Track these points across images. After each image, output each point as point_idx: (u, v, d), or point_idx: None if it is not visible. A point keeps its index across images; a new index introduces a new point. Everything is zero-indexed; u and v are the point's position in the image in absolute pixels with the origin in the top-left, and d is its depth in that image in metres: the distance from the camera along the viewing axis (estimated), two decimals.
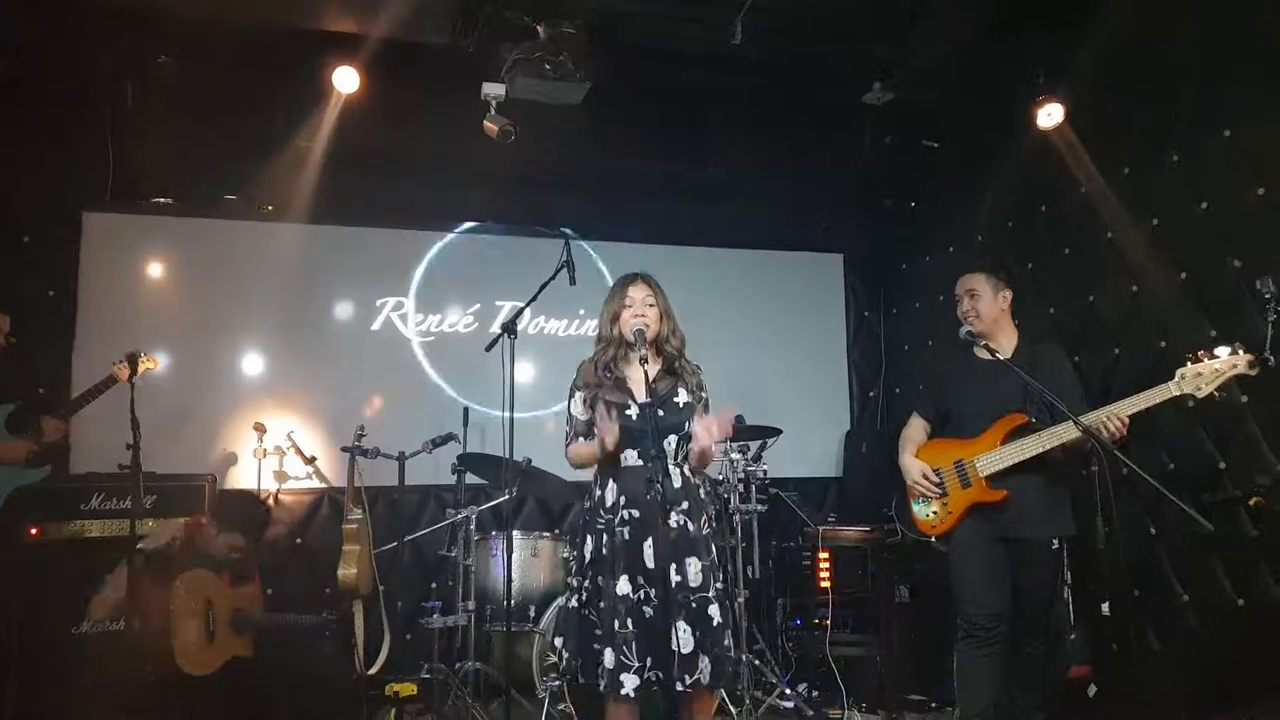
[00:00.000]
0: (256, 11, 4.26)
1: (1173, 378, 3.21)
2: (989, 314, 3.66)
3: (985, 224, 5.27)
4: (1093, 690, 4.01)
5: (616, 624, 2.98)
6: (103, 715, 3.86)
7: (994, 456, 3.52)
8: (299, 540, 5.12)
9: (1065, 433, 3.37)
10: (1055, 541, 3.61)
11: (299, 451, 4.84)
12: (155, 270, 5.25)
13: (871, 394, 6.28)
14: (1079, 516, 3.62)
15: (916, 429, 3.86)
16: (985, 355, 3.57)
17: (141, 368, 4.02)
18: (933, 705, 4.58)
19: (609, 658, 2.98)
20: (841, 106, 4.96)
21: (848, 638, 4.68)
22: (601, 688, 3.01)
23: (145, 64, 4.56)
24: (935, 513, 3.66)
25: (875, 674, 4.61)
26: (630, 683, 2.95)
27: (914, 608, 4.82)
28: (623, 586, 3.01)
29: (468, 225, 5.76)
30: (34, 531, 4.20)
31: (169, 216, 5.28)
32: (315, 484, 5.00)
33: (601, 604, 3.05)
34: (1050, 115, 4.55)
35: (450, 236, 5.72)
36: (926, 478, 3.65)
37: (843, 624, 4.70)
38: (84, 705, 3.96)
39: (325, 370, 5.38)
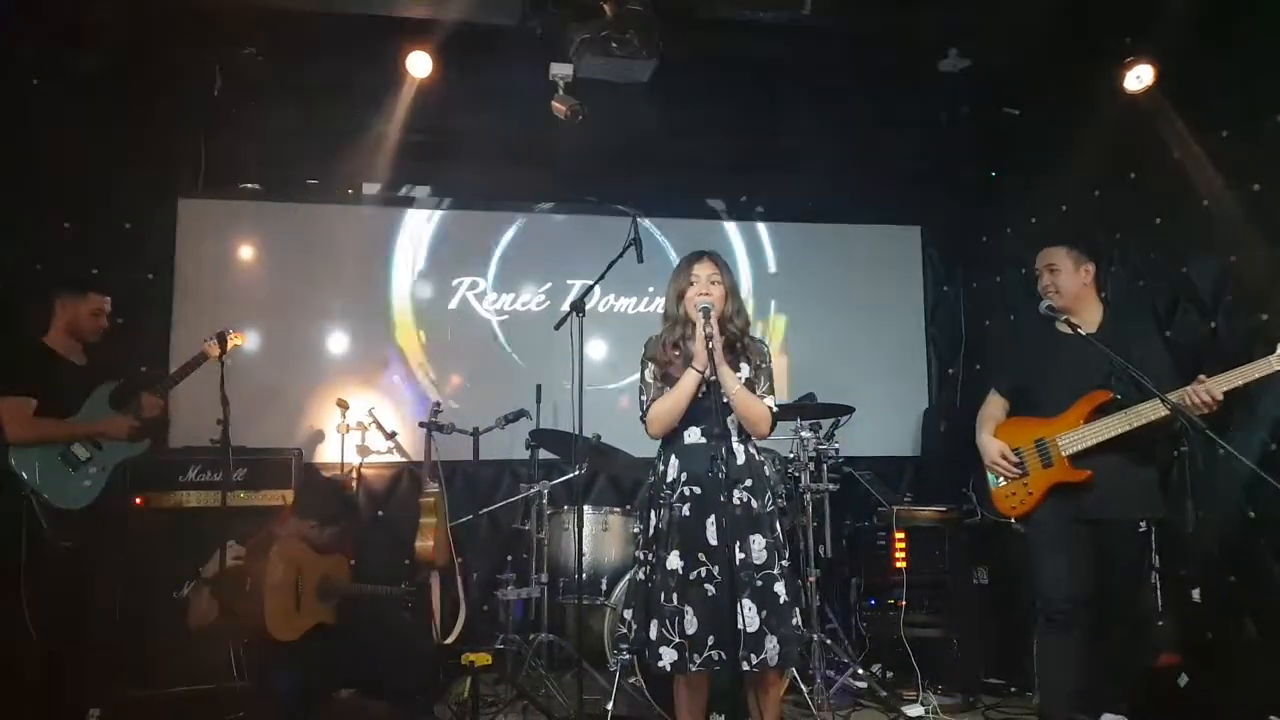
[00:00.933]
0: (335, 2, 4.38)
1: (1274, 351, 3.07)
2: (1070, 288, 3.53)
3: (1070, 193, 5.05)
4: (1184, 680, 3.86)
5: (663, 597, 3.02)
6: (198, 674, 4.08)
7: (1077, 435, 3.41)
8: (380, 513, 5.30)
9: (1152, 411, 3.24)
10: (1142, 524, 3.49)
11: (380, 427, 4.99)
12: (245, 253, 5.48)
13: (951, 371, 6.11)
14: (1169, 498, 3.50)
15: (995, 406, 3.76)
16: (1067, 330, 3.45)
17: (230, 344, 4.17)
18: (1012, 690, 4.48)
19: (653, 629, 3.02)
20: (917, 75, 4.82)
21: (923, 619, 4.60)
22: (645, 657, 3.06)
23: (233, 56, 4.73)
24: (1015, 493, 3.57)
25: (951, 656, 4.54)
26: (669, 656, 2.99)
27: (992, 590, 4.72)
28: (673, 561, 3.04)
29: (539, 205, 5.84)
30: (139, 501, 4.46)
31: (257, 201, 5.51)
32: (396, 459, 5.15)
33: (655, 577, 3.09)
34: (1139, 78, 4.33)
35: (523, 217, 5.80)
36: (1005, 457, 3.56)
37: (918, 605, 4.61)
38: (183, 664, 4.20)
39: (405, 348, 5.54)
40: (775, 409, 3.20)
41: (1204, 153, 4.24)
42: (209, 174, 5.39)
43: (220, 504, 4.11)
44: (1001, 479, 3.61)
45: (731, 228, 5.86)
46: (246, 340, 4.95)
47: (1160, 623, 4.04)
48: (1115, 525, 3.43)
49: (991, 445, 3.62)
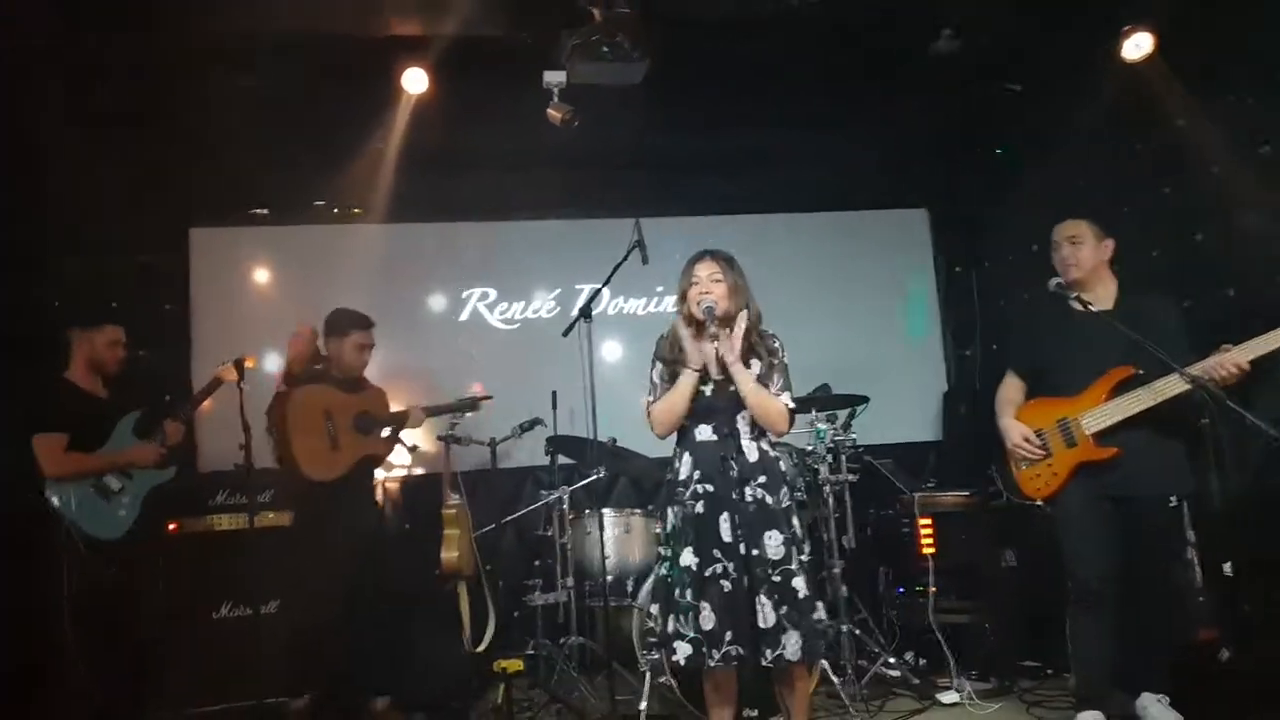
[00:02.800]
0: (328, 24, 4.41)
1: None
2: (1089, 262, 3.50)
3: (1077, 166, 4.99)
4: (1225, 655, 3.81)
5: (678, 593, 3.04)
6: (237, 693, 4.14)
7: (1100, 412, 3.38)
8: (406, 525, 5.34)
9: (1175, 384, 3.20)
10: (1173, 499, 3.45)
11: (400, 441, 5.04)
12: (259, 277, 5.57)
13: (968, 352, 6.07)
14: (1197, 473, 3.46)
15: (1012, 389, 3.72)
16: (1080, 307, 3.42)
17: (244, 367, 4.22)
18: (1048, 672, 4.42)
19: (670, 624, 3.05)
20: (911, 58, 4.78)
21: (953, 604, 4.57)
22: (662, 654, 3.09)
23: (231, 85, 4.78)
24: (1040, 474, 3.54)
25: (984, 641, 4.49)
26: (683, 651, 3.01)
27: (1021, 572, 4.66)
28: (687, 558, 3.06)
29: (542, 212, 5.87)
30: (172, 527, 4.53)
31: (266, 226, 5.60)
32: (419, 471, 5.20)
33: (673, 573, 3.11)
34: (1138, 46, 4.28)
35: (526, 224, 5.86)
36: (1028, 440, 3.53)
37: (947, 591, 4.58)
38: (221, 682, 4.28)
39: (419, 362, 5.58)
40: (792, 405, 3.19)
41: (1209, 117, 4.17)
42: (217, 202, 5.48)
43: (249, 525, 4.17)
44: (1025, 461, 3.58)
45: (736, 222, 5.85)
46: (260, 363, 4.99)
47: (1200, 598, 3.99)
48: (1144, 501, 3.40)
49: (1013, 429, 3.59)
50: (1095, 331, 3.43)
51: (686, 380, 3.14)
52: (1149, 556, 3.45)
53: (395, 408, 4.59)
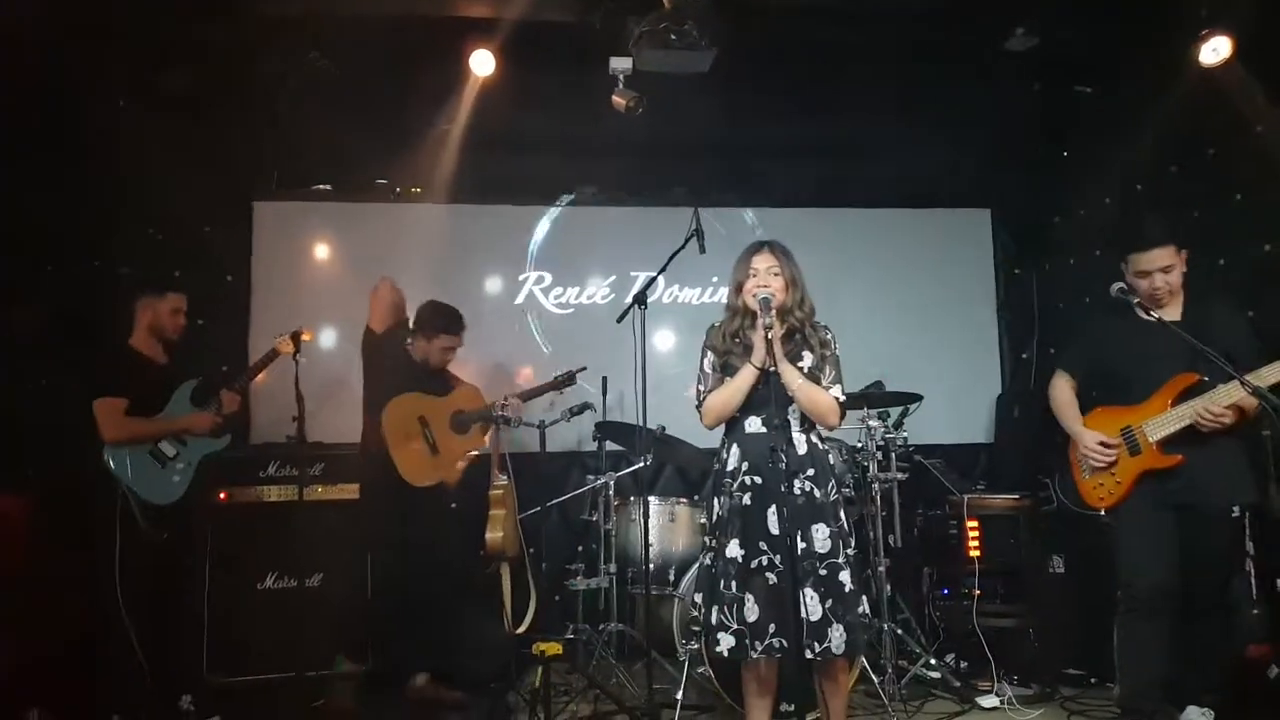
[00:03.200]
0: (398, 4, 4.46)
1: None
2: (1178, 286, 3.44)
3: (1146, 172, 4.90)
4: (1275, 671, 3.74)
5: (723, 584, 3.05)
6: (284, 662, 4.22)
7: (1164, 419, 3.35)
8: (453, 505, 5.38)
9: (1236, 393, 3.16)
10: (1235, 509, 3.40)
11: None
12: (319, 252, 5.62)
13: (1024, 356, 5.97)
14: (1257, 484, 3.39)
15: (1066, 391, 3.67)
16: (1144, 315, 3.37)
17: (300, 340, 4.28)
18: (1091, 681, 4.37)
19: (714, 615, 3.05)
20: (983, 55, 4.71)
21: (997, 608, 4.54)
22: (703, 644, 3.10)
23: (300, 61, 4.84)
24: (1103, 483, 3.51)
25: (1027, 646, 4.46)
26: (726, 642, 3.01)
27: (1069, 579, 4.62)
28: (733, 550, 3.06)
29: (602, 198, 5.87)
30: (223, 496, 4.62)
31: (328, 202, 5.65)
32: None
33: (718, 563, 3.11)
34: (1216, 50, 4.20)
35: (586, 210, 5.85)
36: (1104, 444, 3.47)
37: (992, 594, 4.55)
38: (265, 652, 4.38)
39: (473, 343, 5.60)
40: (842, 399, 3.18)
41: None
42: (281, 176, 5.56)
43: (298, 498, 4.24)
44: (1089, 470, 3.53)
45: (796, 215, 5.80)
46: (317, 337, 5.08)
47: (1255, 610, 3.89)
48: (1206, 511, 3.36)
49: (1087, 434, 3.54)
50: (1160, 339, 3.38)
51: (746, 375, 3.13)
52: (1208, 567, 3.42)
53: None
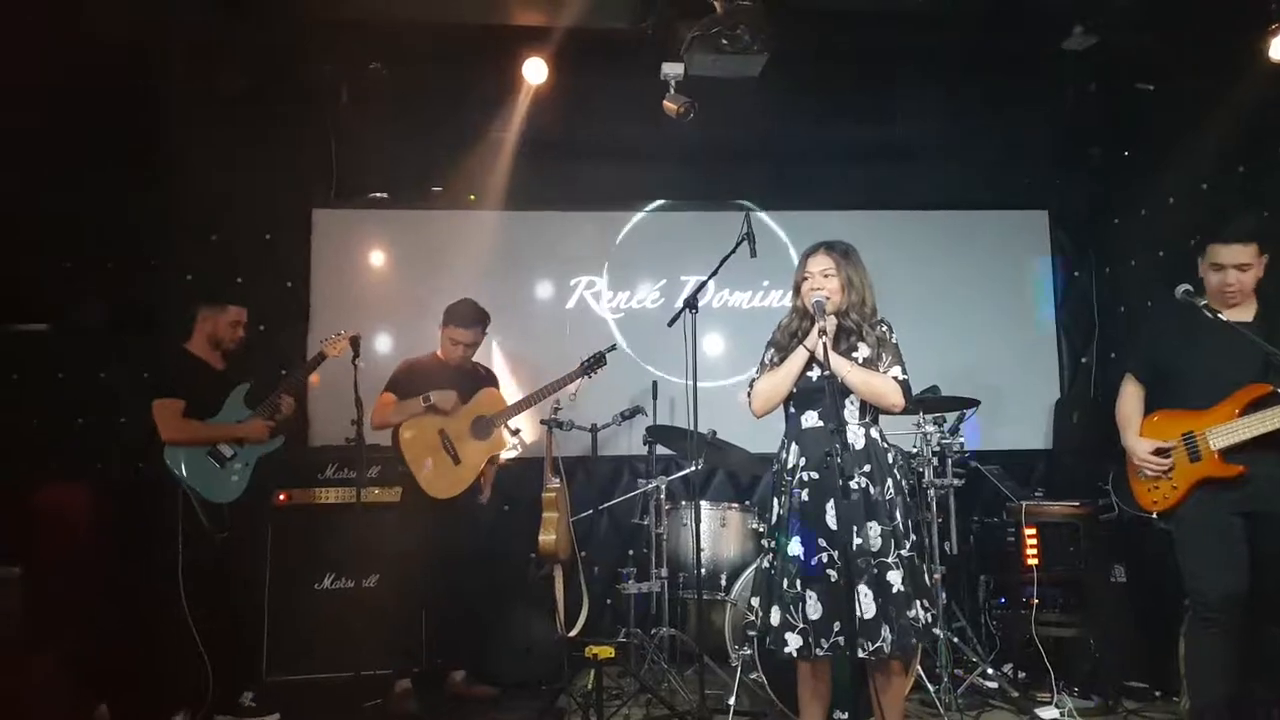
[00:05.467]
0: (453, 13, 4.52)
1: None
2: (1252, 286, 3.35)
3: (1210, 171, 4.77)
4: None
5: (785, 583, 3.05)
6: (342, 661, 4.30)
7: (1230, 428, 3.25)
8: (506, 508, 5.44)
9: None
10: None
11: (505, 425, 5.14)
12: (376, 259, 5.71)
13: (1084, 360, 5.85)
14: None
15: (1132, 400, 3.59)
16: (1212, 316, 3.29)
17: (345, 346, 4.33)
18: (1156, 694, 4.26)
19: (775, 615, 3.05)
20: (1040, 54, 4.64)
21: (1056, 618, 4.44)
22: (768, 644, 3.08)
23: (358, 71, 4.94)
24: (1158, 486, 3.43)
25: (1088, 657, 4.35)
26: (794, 642, 3.00)
27: (1130, 588, 4.49)
28: (794, 548, 3.06)
29: (654, 204, 5.88)
30: (282, 497, 4.72)
31: (385, 210, 5.74)
32: (520, 454, 5.29)
33: (777, 564, 3.11)
34: None
35: (638, 215, 5.86)
36: (1159, 451, 3.40)
37: (1051, 604, 4.45)
38: (322, 651, 4.46)
39: (526, 348, 5.67)
40: (902, 378, 3.17)
41: None
42: (339, 185, 5.65)
43: (355, 500, 4.32)
44: (1142, 475, 3.46)
45: (849, 217, 5.74)
46: (374, 342, 5.18)
47: None
48: (1274, 517, 3.25)
49: (1140, 444, 3.47)
50: (1230, 344, 3.29)
51: (797, 358, 3.18)
52: (1276, 575, 3.29)
53: (505, 393, 4.70)
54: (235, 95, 4.85)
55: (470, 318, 4.53)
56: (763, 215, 5.62)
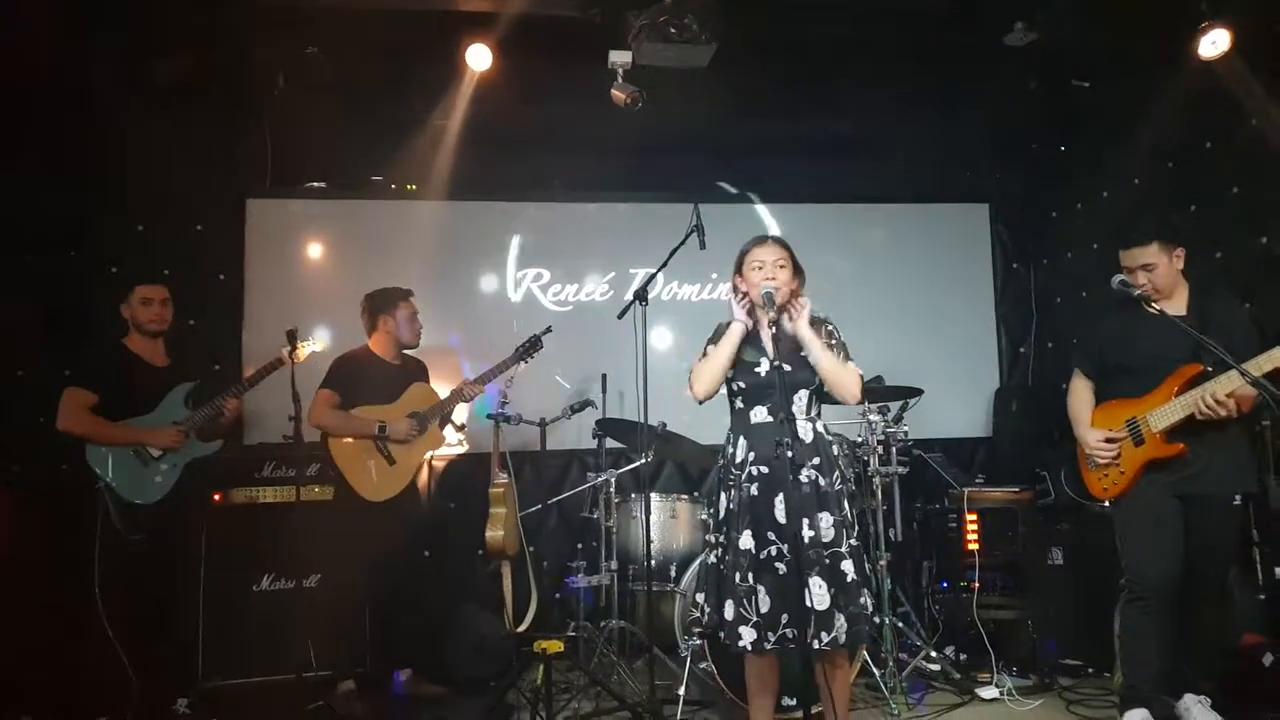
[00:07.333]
0: None
1: None
2: (1168, 283, 3.46)
3: (1143, 166, 4.92)
4: (1269, 659, 3.76)
5: (738, 577, 3.05)
6: (281, 664, 4.19)
7: (1167, 409, 3.37)
8: (453, 505, 5.36)
9: (1234, 380, 3.19)
10: (1238, 498, 3.43)
11: (449, 419, 5.06)
12: (313, 250, 5.56)
13: (1022, 350, 6.01)
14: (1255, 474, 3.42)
15: (1083, 394, 3.71)
16: (1148, 308, 3.40)
17: (303, 351, 4.23)
18: (1089, 671, 4.40)
19: (729, 610, 3.05)
20: (980, 50, 4.72)
21: (997, 601, 4.54)
22: (722, 639, 3.08)
23: (295, 56, 4.79)
24: (1108, 474, 3.54)
25: (1026, 638, 4.47)
26: (748, 635, 3.01)
27: (1067, 570, 4.63)
28: (745, 541, 3.07)
29: (601, 194, 5.84)
30: (217, 497, 4.55)
31: (323, 200, 5.59)
32: (466, 450, 5.22)
33: (727, 558, 3.10)
34: (1215, 43, 4.20)
35: (584, 206, 5.82)
36: (1108, 440, 3.51)
37: (991, 587, 4.55)
38: (262, 654, 4.33)
39: (470, 340, 5.58)
40: (861, 372, 3.21)
41: None
42: (275, 173, 5.49)
43: (294, 499, 4.20)
44: (1092, 464, 3.58)
45: (795, 210, 5.79)
46: (310, 335, 5.01)
47: (1261, 596, 3.94)
48: (1209, 501, 3.39)
49: (1090, 434, 3.59)
50: (1164, 332, 3.41)
51: (734, 331, 3.16)
52: (1210, 557, 3.44)
53: (448, 386, 4.62)
54: (166, 81, 4.67)
55: (404, 291, 4.46)
56: (711, 207, 5.58)
